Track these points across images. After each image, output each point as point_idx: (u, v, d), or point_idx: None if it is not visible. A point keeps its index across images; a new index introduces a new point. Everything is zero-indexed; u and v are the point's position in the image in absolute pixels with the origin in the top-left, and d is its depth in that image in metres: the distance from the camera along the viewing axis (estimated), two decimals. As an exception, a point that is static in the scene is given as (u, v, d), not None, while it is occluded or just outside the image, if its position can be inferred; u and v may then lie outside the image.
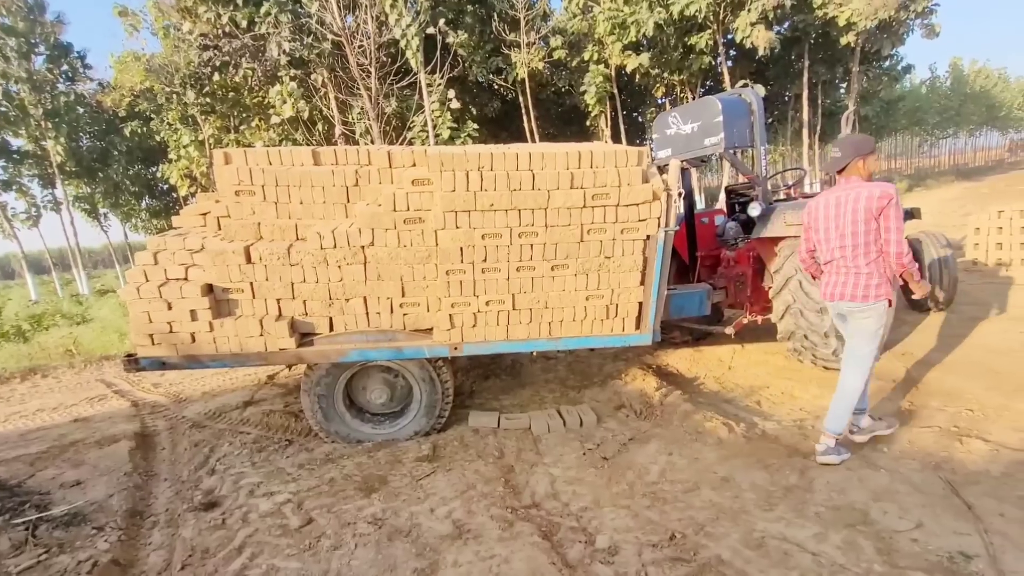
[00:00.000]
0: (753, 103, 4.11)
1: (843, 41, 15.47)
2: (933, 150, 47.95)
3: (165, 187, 20.75)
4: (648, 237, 3.28)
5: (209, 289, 3.12)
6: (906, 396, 3.56)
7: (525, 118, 15.94)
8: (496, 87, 15.55)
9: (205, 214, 3.42)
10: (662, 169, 3.85)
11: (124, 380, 5.96)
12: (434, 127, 12.11)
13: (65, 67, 16.68)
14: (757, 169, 4.27)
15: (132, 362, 3.25)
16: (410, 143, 12.40)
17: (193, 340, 3.16)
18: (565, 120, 19.96)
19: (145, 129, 16.98)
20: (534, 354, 4.66)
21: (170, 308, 3.10)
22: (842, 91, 21.70)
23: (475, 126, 13.31)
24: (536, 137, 16.11)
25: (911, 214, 5.53)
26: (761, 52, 14.01)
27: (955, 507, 2.31)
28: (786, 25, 16.78)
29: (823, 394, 3.77)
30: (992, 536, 2.11)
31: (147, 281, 3.10)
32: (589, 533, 2.45)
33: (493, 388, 4.59)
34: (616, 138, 17.43)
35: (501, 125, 17.89)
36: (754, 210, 4.15)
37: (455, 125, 12.56)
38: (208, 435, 3.96)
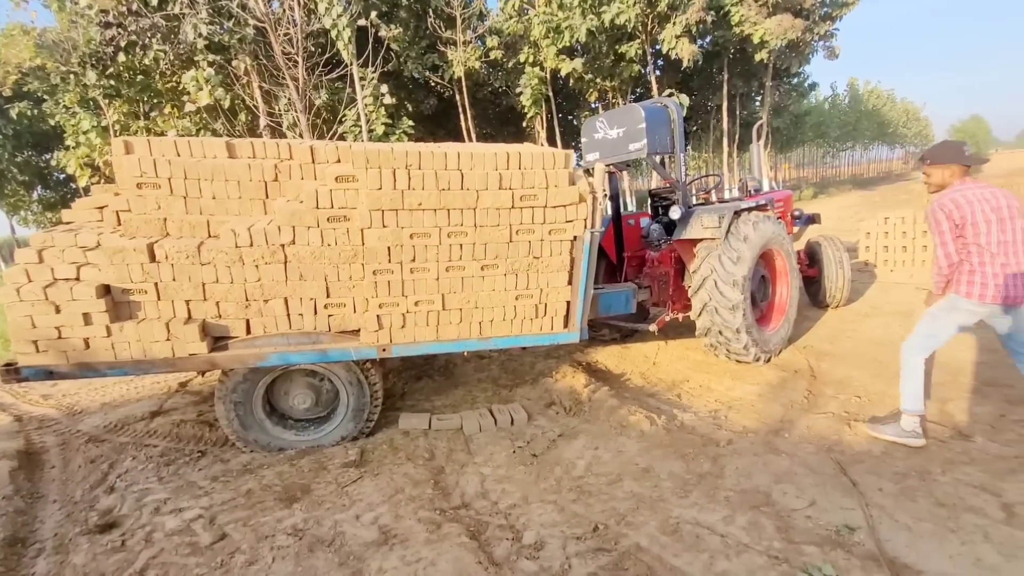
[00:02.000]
0: (673, 112, 4.34)
1: (757, 57, 16.68)
2: (834, 161, 52.83)
3: (61, 176, 18.69)
4: (575, 238, 3.37)
5: (106, 290, 2.85)
6: (806, 385, 3.90)
7: (462, 117, 15.85)
8: (433, 84, 15.34)
9: (102, 208, 3.12)
10: (590, 172, 3.97)
11: (6, 392, 5.30)
12: (368, 122, 11.75)
13: (-67, 37, 14.57)
14: (677, 174, 4.51)
15: (12, 372, 2.90)
16: (342, 137, 11.95)
17: (87, 346, 2.87)
18: (502, 120, 20.06)
19: (36, 111, 15.19)
20: (466, 354, 4.65)
21: (58, 311, 2.80)
22: (757, 103, 23.40)
23: (410, 123, 13.05)
24: (473, 136, 16.06)
25: (812, 219, 6.08)
26: (685, 63, 14.80)
27: (843, 485, 2.56)
28: (708, 39, 17.87)
29: (735, 386, 4.05)
30: (872, 509, 2.36)
31: (30, 281, 2.79)
32: (516, 530, 2.48)
33: (425, 389, 4.53)
34: (552, 139, 17.75)
35: (438, 123, 17.69)
36: (675, 213, 4.38)
37: (390, 121, 12.26)
38: (107, 450, 3.61)
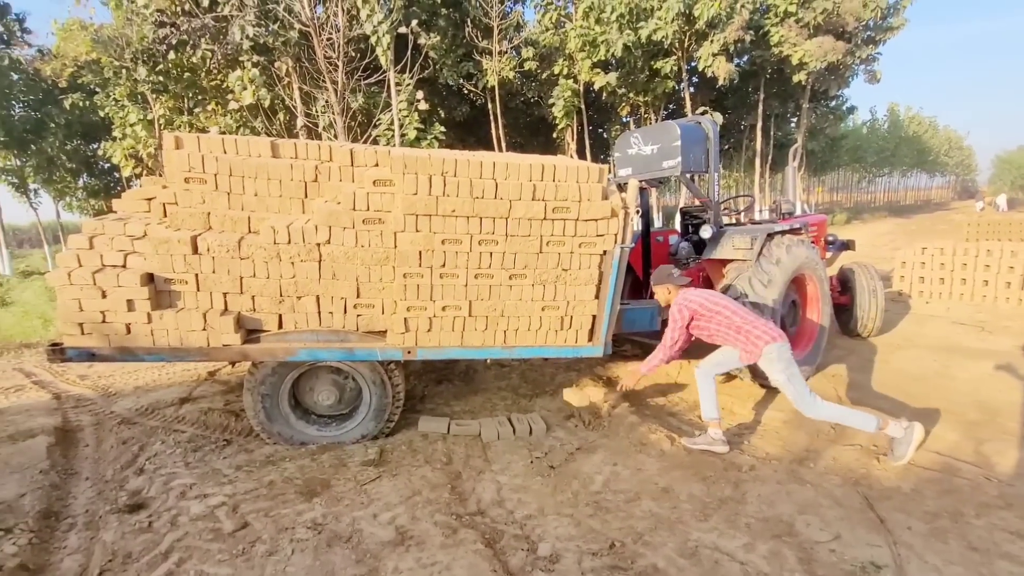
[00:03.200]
0: (710, 131, 4.32)
1: (795, 78, 16.47)
2: (870, 186, 51.55)
3: (106, 166, 19.46)
4: (605, 252, 3.37)
5: (150, 278, 2.97)
6: (833, 415, 3.79)
7: (493, 125, 16.01)
8: (466, 92, 15.56)
9: (150, 199, 3.25)
10: (622, 187, 3.97)
11: (46, 370, 5.54)
12: (401, 126, 11.97)
13: (1, 29, 15.44)
14: (710, 193, 4.48)
15: (58, 352, 3.04)
16: (375, 140, 12.19)
17: (128, 331, 2.99)
18: (532, 130, 20.19)
19: (88, 103, 15.88)
20: (488, 361, 4.67)
21: (104, 296, 2.93)
22: (793, 125, 23.06)
23: (442, 129, 13.25)
24: (503, 144, 16.20)
25: (847, 245, 5.95)
26: (721, 82, 14.70)
27: (869, 520, 2.49)
28: (745, 59, 17.73)
29: (760, 410, 3.98)
30: (900, 548, 2.28)
31: (80, 266, 2.92)
32: (532, 541, 2.48)
33: (445, 393, 4.57)
34: (581, 152, 17.79)
35: (469, 130, 17.90)
36: (705, 232, 4.35)
37: (422, 126, 12.47)
38: (138, 432, 3.74)
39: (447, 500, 2.84)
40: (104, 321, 2.98)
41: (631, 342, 5.18)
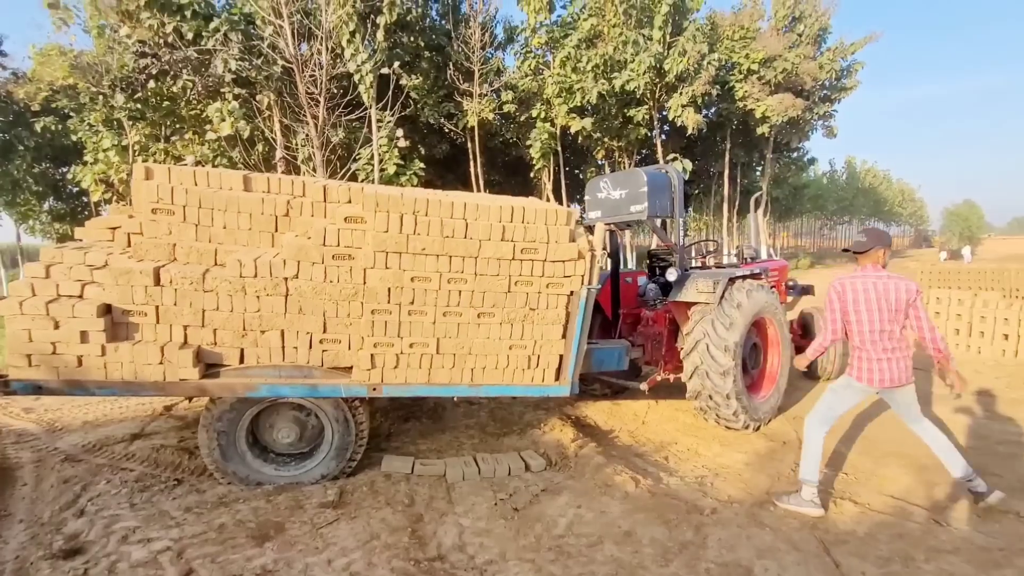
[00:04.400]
0: (674, 179, 4.53)
1: (759, 131, 17.46)
2: (831, 233, 54.04)
3: (75, 190, 19.02)
4: (572, 293, 3.44)
5: (107, 310, 2.89)
6: (794, 458, 3.87)
7: (472, 164, 16.36)
8: (447, 131, 15.94)
9: (115, 228, 3.21)
10: (592, 229, 4.10)
11: (-13, 402, 5.23)
12: (381, 162, 12.13)
13: (-26, 51, 15.25)
14: (675, 237, 4.65)
15: (1, 384, 2.90)
16: (355, 175, 12.29)
17: (80, 364, 2.89)
18: (511, 170, 20.69)
19: (60, 127, 15.66)
20: (455, 399, 4.63)
21: (57, 327, 2.83)
22: (758, 173, 24.24)
23: (422, 165, 13.47)
24: (481, 183, 16.51)
25: (806, 290, 6.20)
26: (690, 131, 15.46)
27: (825, 566, 2.52)
28: (713, 110, 18.75)
29: (723, 452, 4.02)
30: (854, 593, 2.31)
31: (34, 296, 2.83)
32: (491, 588, 2.42)
33: (412, 431, 4.49)
34: (557, 192, 18.25)
35: (448, 167, 18.22)
36: (671, 275, 4.49)
37: (402, 162, 12.66)
38: (82, 471, 3.54)
39: (406, 545, 2.75)
40: (54, 353, 2.87)
41: (600, 381, 5.21)
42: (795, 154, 23.77)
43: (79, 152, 14.97)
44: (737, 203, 23.12)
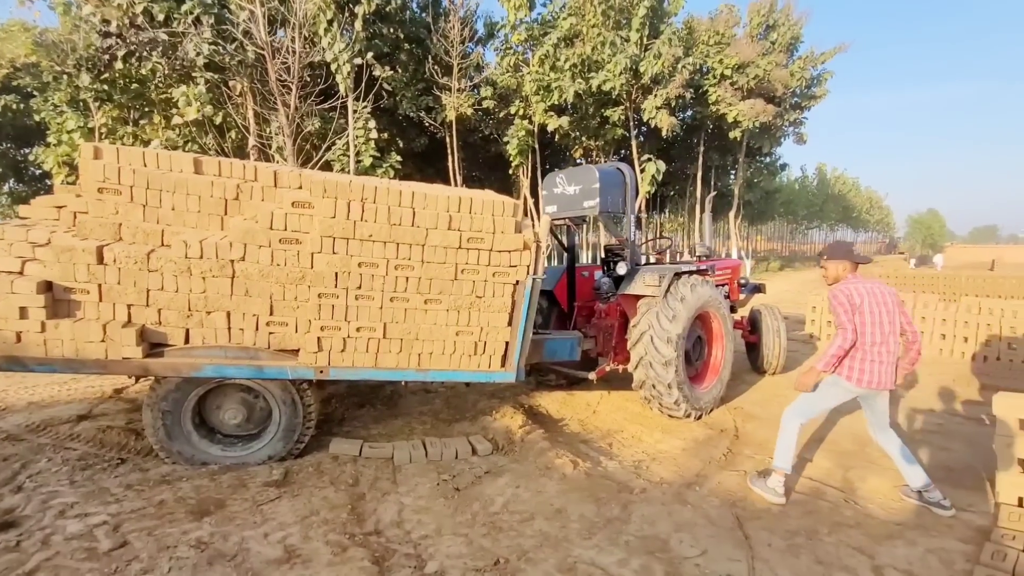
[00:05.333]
0: (627, 176, 4.68)
1: (732, 135, 17.84)
2: (803, 238, 55.49)
3: (37, 172, 18.41)
4: (518, 282, 3.56)
5: (48, 287, 2.90)
6: (727, 444, 4.07)
7: (450, 158, 16.36)
8: (425, 124, 15.92)
9: (60, 207, 3.20)
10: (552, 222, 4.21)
11: (-69, 383, 5.12)
12: (357, 153, 12.07)
13: (-70, 23, 14.65)
14: (626, 233, 4.81)
15: (-65, 359, 2.89)
16: (328, 164, 12.21)
17: (18, 340, 2.89)
18: (490, 166, 20.71)
19: (22, 106, 15.16)
20: (405, 384, 4.72)
21: (-5, 302, 2.83)
22: (732, 176, 24.78)
23: (399, 158, 13.45)
24: (459, 177, 16.50)
25: (758, 288, 6.44)
26: (664, 133, 15.74)
27: (736, 538, 2.69)
28: (688, 113, 19.12)
29: (664, 439, 4.20)
30: (757, 562, 2.48)
31: (-28, 271, 2.82)
32: (421, 559, 2.52)
33: (365, 417, 4.56)
34: (535, 189, 18.31)
35: (427, 161, 18.17)
36: (621, 269, 4.65)
37: (378, 154, 12.62)
38: (23, 449, 3.53)
39: (344, 520, 2.84)
40: (-7, 328, 2.87)
41: (555, 372, 5.36)
42: (767, 158, 24.37)
43: (42, 133, 14.50)
44: (710, 205, 23.57)
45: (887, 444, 3.19)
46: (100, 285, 2.95)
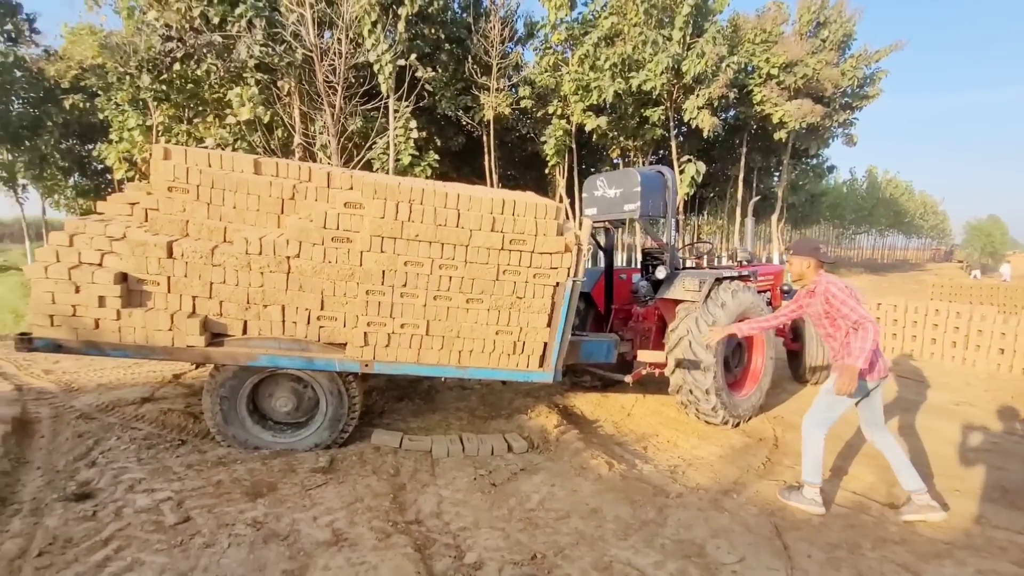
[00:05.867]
0: (668, 179, 4.66)
1: (777, 136, 17.31)
2: (850, 243, 53.27)
3: (99, 167, 19.59)
4: (558, 284, 3.62)
5: (123, 278, 3.14)
6: (766, 453, 4.01)
7: (487, 157, 16.51)
8: (463, 123, 16.12)
9: (133, 204, 3.45)
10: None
11: (11, 363, 5.57)
12: (396, 151, 12.36)
13: (9, 27, 15.80)
14: (667, 237, 4.79)
15: (25, 341, 3.17)
16: (369, 163, 12.54)
17: (96, 326, 3.14)
18: (526, 165, 20.79)
19: (88, 105, 16.15)
20: (444, 380, 4.83)
21: (77, 291, 3.09)
22: (776, 178, 24.04)
23: (436, 157, 13.68)
24: (495, 176, 16.65)
25: (801, 295, 6.27)
26: (706, 134, 15.43)
27: (775, 547, 2.67)
28: (731, 113, 18.66)
29: (700, 445, 4.17)
30: (795, 572, 2.47)
31: (58, 262, 3.09)
32: (460, 549, 2.61)
33: (404, 410, 4.70)
34: (570, 189, 18.32)
35: (464, 160, 18.39)
36: (660, 273, 4.63)
37: (417, 153, 12.88)
38: (95, 427, 3.82)
39: (387, 508, 2.96)
40: (74, 315, 3.12)
41: (590, 374, 5.38)
42: (814, 161, 23.52)
43: (105, 130, 15.44)
44: (752, 207, 22.95)
45: (883, 442, 3.14)
46: (169, 277, 3.17)
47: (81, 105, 16.37)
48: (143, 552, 2.41)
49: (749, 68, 17.21)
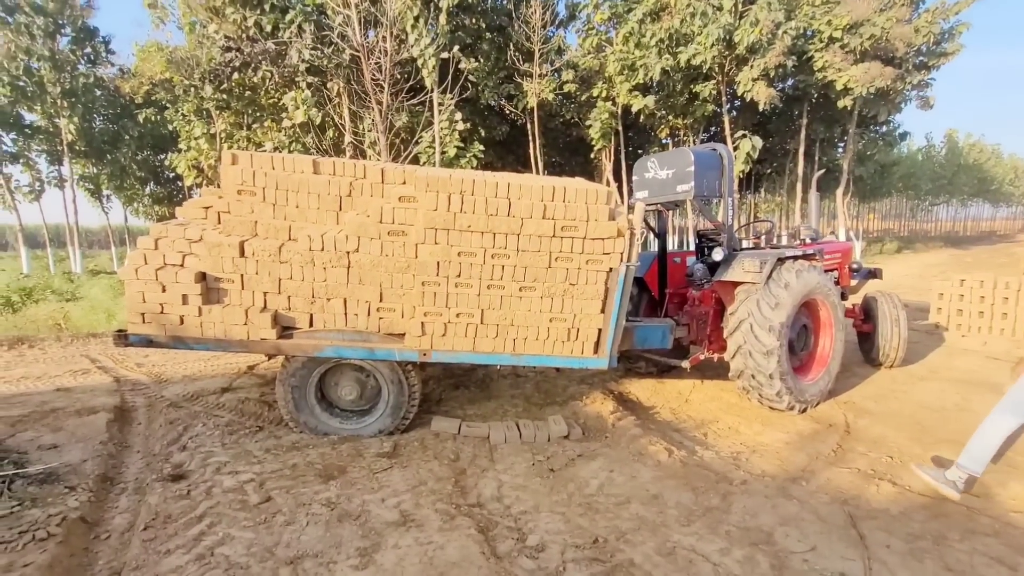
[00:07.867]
0: (724, 158, 4.47)
1: (841, 104, 16.15)
2: (926, 215, 49.15)
3: (171, 175, 21.07)
4: (611, 270, 3.57)
5: (202, 277, 3.38)
6: (837, 439, 3.82)
7: (532, 145, 16.42)
8: (507, 112, 16.08)
9: (207, 208, 3.70)
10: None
11: (108, 357, 6.15)
12: (441, 144, 12.54)
13: (88, 50, 17.19)
14: (724, 218, 4.61)
15: (122, 337, 3.49)
16: (416, 157, 12.80)
17: (181, 322, 3.41)
18: (571, 150, 20.51)
19: (159, 117, 17.38)
20: (500, 368, 4.90)
21: (164, 291, 3.36)
22: (840, 149, 22.47)
23: (481, 147, 13.76)
24: (540, 164, 16.56)
25: (872, 274, 5.90)
26: (762, 106, 14.63)
27: (850, 537, 2.56)
28: (789, 83, 17.56)
29: (764, 431, 4.04)
30: (873, 563, 2.35)
31: (146, 264, 3.36)
32: (522, 532, 2.68)
33: (460, 398, 4.82)
34: (617, 173, 17.96)
35: (508, 149, 18.38)
36: (718, 254, 4.48)
37: (462, 144, 13.01)
38: (183, 415, 4.16)
39: (450, 492, 3.07)
40: (162, 312, 3.41)
41: (645, 359, 5.30)
42: (884, 128, 21.76)
43: (174, 140, 16.58)
44: (815, 182, 21.63)
45: (998, 420, 2.82)
46: (242, 275, 3.39)
47: (153, 118, 17.63)
48: (232, 528, 2.63)
49: (809, 33, 16.08)
